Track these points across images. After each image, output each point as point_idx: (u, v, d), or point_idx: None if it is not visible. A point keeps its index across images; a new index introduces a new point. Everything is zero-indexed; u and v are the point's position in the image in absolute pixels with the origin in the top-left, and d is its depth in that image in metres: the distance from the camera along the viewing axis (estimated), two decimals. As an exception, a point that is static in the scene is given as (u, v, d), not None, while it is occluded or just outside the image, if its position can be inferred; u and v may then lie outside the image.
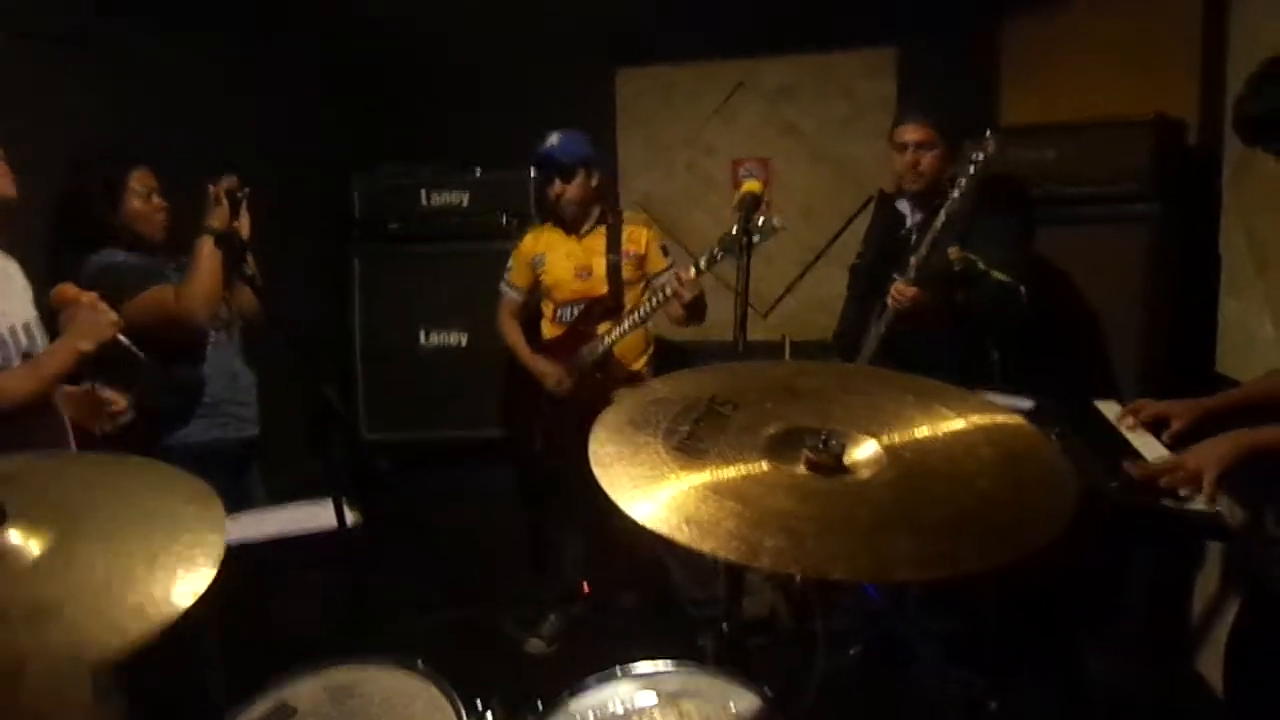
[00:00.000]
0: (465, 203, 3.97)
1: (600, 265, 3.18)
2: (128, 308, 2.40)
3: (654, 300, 3.02)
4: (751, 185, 2.30)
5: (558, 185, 3.13)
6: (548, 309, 3.29)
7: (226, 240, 2.33)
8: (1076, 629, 2.37)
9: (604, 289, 3.17)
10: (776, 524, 1.09)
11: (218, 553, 1.19)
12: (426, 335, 3.98)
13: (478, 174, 4.00)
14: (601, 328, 3.14)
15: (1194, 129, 3.04)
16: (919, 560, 1.06)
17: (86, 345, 2.01)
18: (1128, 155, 2.94)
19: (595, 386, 3.07)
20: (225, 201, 2.47)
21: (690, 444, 1.24)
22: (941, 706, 2.31)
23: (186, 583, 1.11)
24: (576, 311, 3.21)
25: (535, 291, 3.31)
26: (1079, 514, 1.13)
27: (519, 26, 3.90)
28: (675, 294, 2.89)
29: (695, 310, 2.94)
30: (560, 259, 3.21)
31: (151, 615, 1.05)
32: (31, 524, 1.22)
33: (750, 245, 2.23)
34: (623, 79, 4.30)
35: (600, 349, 3.12)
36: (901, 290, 2.65)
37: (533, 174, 3.26)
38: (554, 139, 3.17)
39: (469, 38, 4.03)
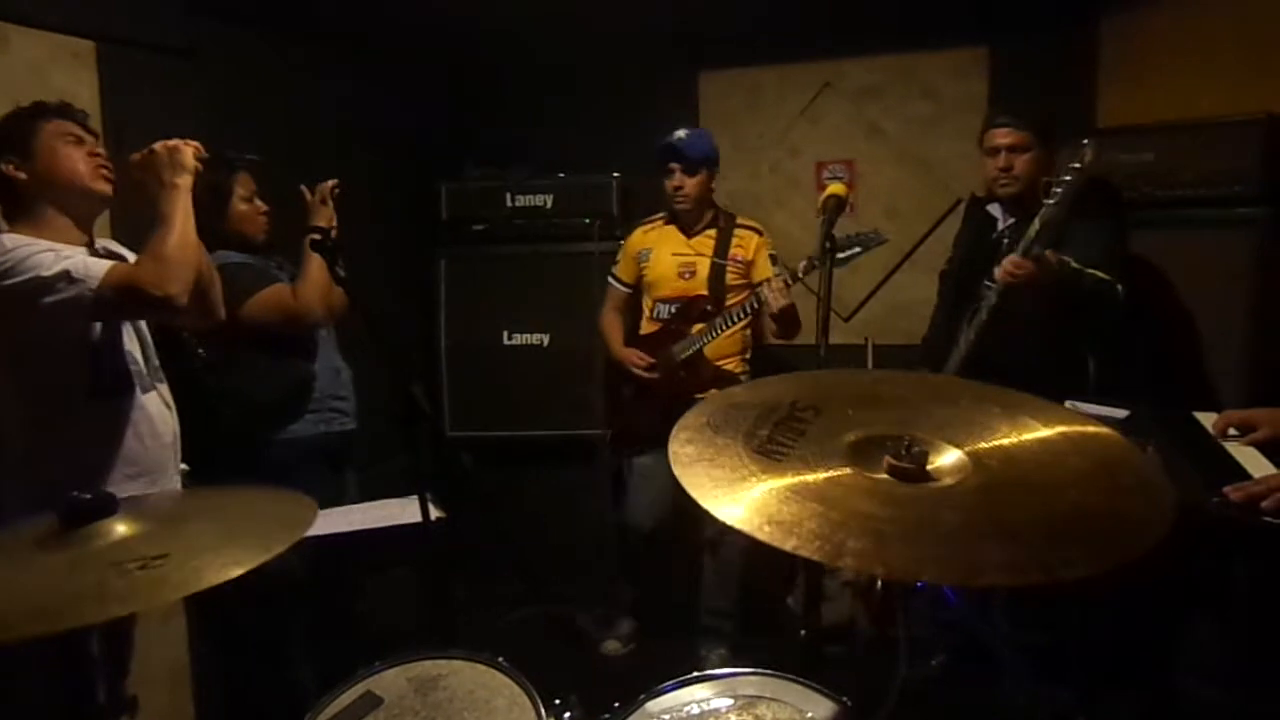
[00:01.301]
0: (549, 205, 4.02)
1: (704, 267, 3.20)
2: (249, 306, 2.52)
3: (749, 306, 3.03)
4: (836, 188, 2.28)
5: (678, 177, 3.15)
6: (647, 304, 3.34)
7: (323, 241, 2.42)
8: (1172, 647, 2.28)
9: (704, 290, 3.19)
10: (860, 525, 1.08)
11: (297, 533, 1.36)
12: (509, 335, 4.04)
13: (561, 177, 4.04)
14: (695, 328, 3.16)
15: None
16: (1010, 565, 1.03)
17: (182, 178, 2.05)
18: (1233, 157, 2.81)
19: (680, 384, 3.10)
20: (329, 203, 2.58)
21: (771, 447, 1.24)
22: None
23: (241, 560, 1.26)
24: (672, 310, 3.24)
25: (638, 287, 3.37)
26: (1176, 528, 1.09)
27: (602, 30, 3.93)
28: (764, 303, 2.90)
29: (784, 322, 2.93)
30: (665, 256, 3.25)
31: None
32: (139, 520, 1.34)
33: (834, 250, 2.21)
34: (705, 81, 4.31)
35: (690, 348, 3.15)
36: (1017, 263, 2.55)
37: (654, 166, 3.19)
38: (682, 133, 3.19)
39: (553, 42, 4.08)
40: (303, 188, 2.66)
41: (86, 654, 1.32)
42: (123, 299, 1.94)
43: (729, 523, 1.10)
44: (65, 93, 2.54)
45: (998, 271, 2.59)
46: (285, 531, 1.37)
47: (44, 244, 1.94)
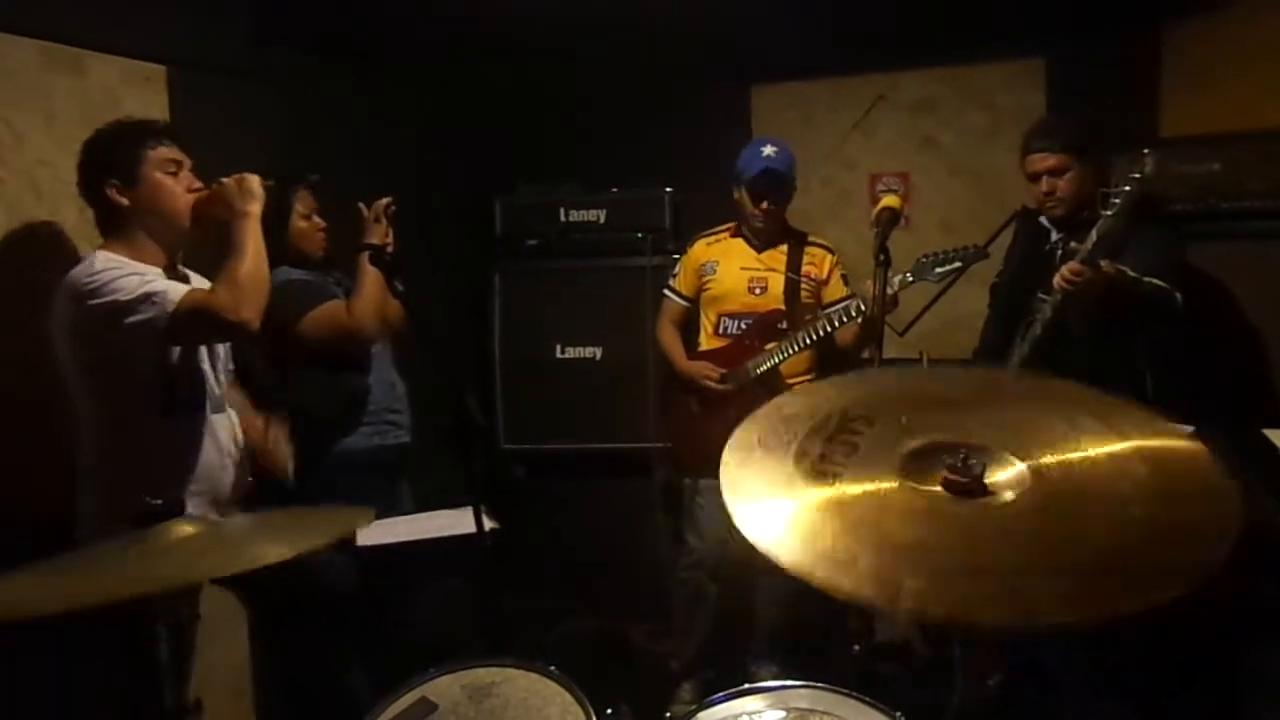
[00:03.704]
0: (602, 220, 4.05)
1: (777, 283, 3.13)
2: (306, 322, 2.59)
3: (831, 323, 2.96)
4: (890, 200, 2.28)
5: (766, 204, 3.08)
6: (709, 320, 3.25)
7: (380, 255, 2.47)
8: (1238, 670, 2.21)
9: (779, 306, 3.12)
10: (915, 559, 1.05)
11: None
12: (562, 349, 4.07)
13: (614, 192, 4.07)
14: (770, 345, 3.10)
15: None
16: (1068, 603, 1.01)
17: (253, 205, 2.13)
18: (1303, 166, 2.75)
19: (754, 401, 3.04)
20: (384, 220, 2.63)
21: (823, 467, 1.21)
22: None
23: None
24: (743, 326, 3.17)
25: (696, 300, 3.29)
26: (1244, 548, 1.06)
27: (655, 45, 3.96)
28: (859, 313, 2.84)
29: (874, 335, 2.89)
30: (734, 270, 3.18)
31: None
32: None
33: (888, 262, 2.21)
34: (758, 95, 4.31)
35: (766, 365, 3.08)
36: (1075, 269, 2.49)
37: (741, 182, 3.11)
38: (770, 149, 3.08)
39: (606, 57, 4.12)
40: (360, 205, 2.72)
41: (154, 656, 1.36)
42: (197, 324, 2.03)
43: (784, 565, 1.08)
44: (136, 114, 2.64)
45: (1056, 279, 2.55)
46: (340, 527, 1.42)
47: (130, 266, 2.02)
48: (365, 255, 2.55)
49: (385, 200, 2.69)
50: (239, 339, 2.20)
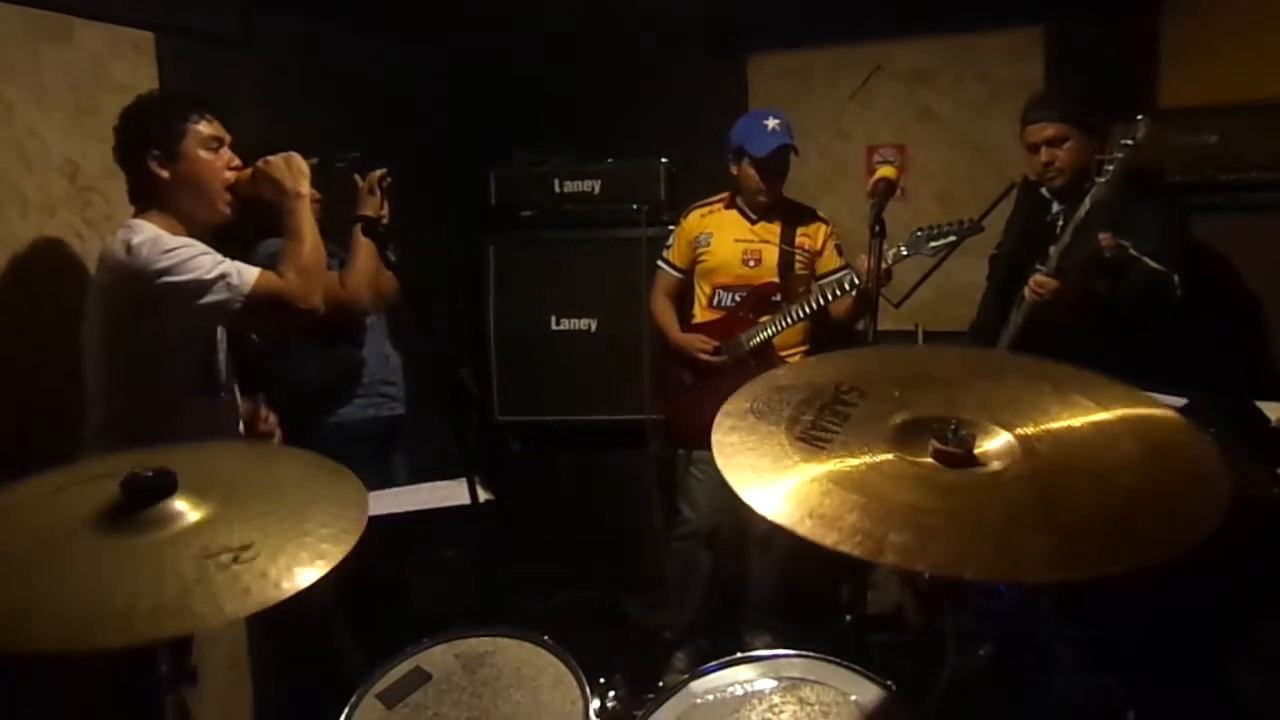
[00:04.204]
0: (597, 191, 4.03)
1: (771, 255, 3.13)
2: None
3: (827, 294, 2.96)
4: (886, 171, 2.26)
5: (771, 178, 3.07)
6: (703, 292, 3.25)
7: (373, 226, 2.45)
8: (1229, 640, 2.23)
9: (773, 278, 3.12)
10: (903, 518, 1.06)
11: (357, 530, 1.29)
12: (557, 320, 4.06)
13: (610, 163, 4.05)
14: (764, 318, 3.10)
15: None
16: (1054, 561, 1.02)
17: (304, 185, 2.13)
18: (1300, 137, 2.73)
19: (749, 373, 3.05)
20: (378, 191, 2.61)
21: (814, 433, 1.23)
22: (1076, 714, 2.22)
23: (327, 555, 1.22)
24: (738, 298, 3.17)
25: (690, 272, 3.28)
26: (1235, 519, 1.06)
27: (651, 14, 3.92)
28: (854, 287, 2.84)
29: (869, 307, 2.89)
30: (728, 242, 3.17)
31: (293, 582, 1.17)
32: (199, 497, 1.34)
33: (883, 234, 2.19)
34: (754, 66, 4.27)
35: (760, 337, 3.08)
36: (1042, 282, 2.56)
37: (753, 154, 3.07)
38: (774, 123, 3.06)
39: (601, 26, 4.08)
40: (355, 176, 2.69)
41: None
42: (271, 309, 2.02)
43: (770, 517, 1.10)
44: (125, 83, 2.62)
45: (1025, 288, 2.58)
46: (347, 514, 1.34)
47: (201, 245, 2.01)
48: (358, 226, 2.53)
49: (380, 171, 2.66)
50: (304, 324, 2.19)
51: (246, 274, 2.00)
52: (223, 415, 2.21)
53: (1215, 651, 2.21)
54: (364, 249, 2.55)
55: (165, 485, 1.28)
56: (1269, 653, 2.53)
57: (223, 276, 1.96)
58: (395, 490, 2.53)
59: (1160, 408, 1.24)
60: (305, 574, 1.18)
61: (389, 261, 2.35)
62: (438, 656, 1.56)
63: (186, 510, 1.27)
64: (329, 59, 3.55)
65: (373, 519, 2.25)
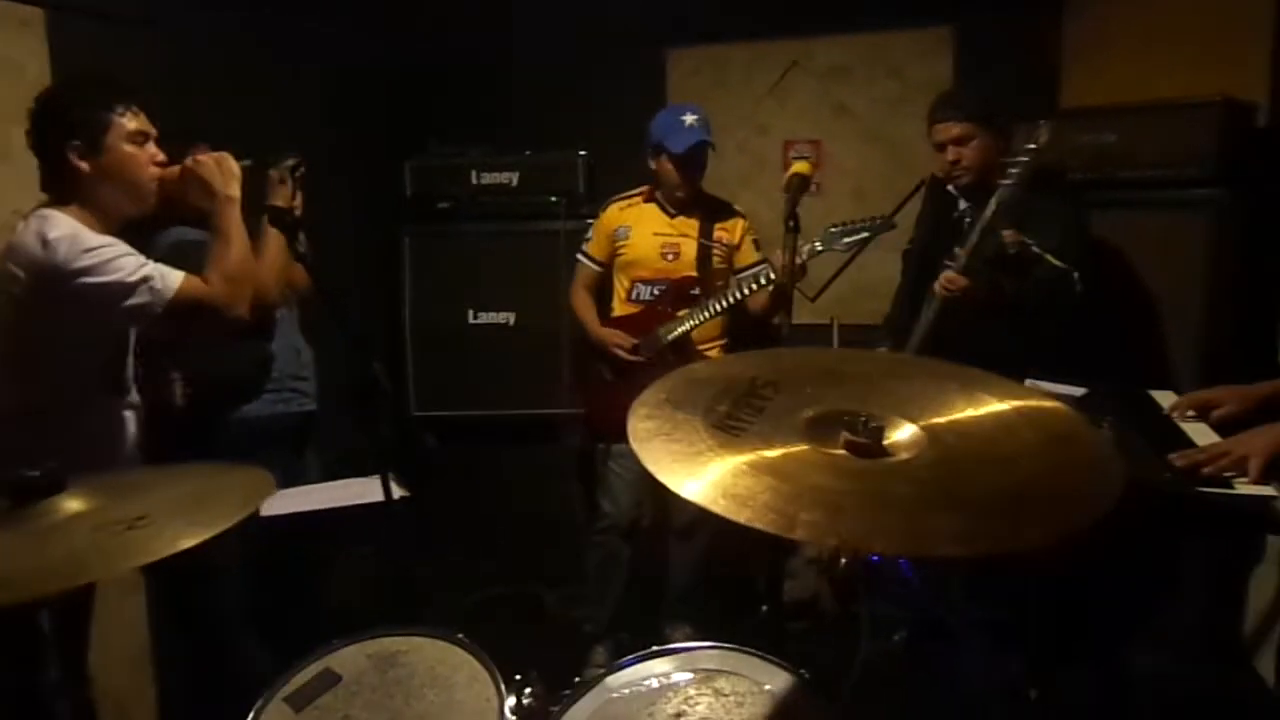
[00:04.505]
0: (515, 183, 3.99)
1: (690, 249, 3.14)
2: None
3: (743, 289, 2.99)
4: (800, 166, 2.29)
5: (688, 174, 3.07)
6: (622, 285, 3.24)
7: (281, 218, 2.37)
8: (1124, 620, 2.33)
9: (691, 272, 3.13)
10: (814, 498, 1.09)
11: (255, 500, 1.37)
12: (474, 314, 4.01)
13: (528, 155, 4.01)
14: (682, 312, 3.11)
15: (1264, 112, 2.93)
16: (960, 536, 1.06)
17: (234, 189, 2.07)
18: (1192, 138, 2.84)
19: (666, 368, 3.05)
20: (288, 181, 2.52)
21: (730, 423, 1.24)
22: (982, 694, 2.29)
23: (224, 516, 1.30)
24: (656, 292, 3.17)
25: (610, 265, 3.27)
26: (1130, 504, 1.11)
27: (569, 7, 3.90)
28: (769, 282, 2.87)
29: (785, 302, 2.91)
30: (646, 235, 3.16)
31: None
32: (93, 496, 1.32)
33: (798, 228, 2.22)
34: (674, 60, 4.28)
35: (677, 331, 3.09)
36: (951, 279, 2.63)
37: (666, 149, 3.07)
38: (692, 118, 3.06)
39: (518, 17, 4.04)
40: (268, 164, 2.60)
41: (35, 629, 1.30)
42: (194, 315, 1.96)
43: (685, 496, 1.11)
44: (11, 62, 2.48)
45: (936, 284, 2.65)
46: (245, 498, 1.37)
47: (124, 245, 1.93)
48: (266, 217, 2.44)
49: (292, 161, 2.58)
50: (226, 332, 2.12)
51: (170, 278, 1.93)
52: (124, 416, 2.14)
53: (1113, 632, 2.30)
54: (272, 239, 2.46)
55: (52, 484, 1.27)
56: (1163, 634, 2.66)
57: (146, 280, 1.90)
58: (307, 488, 2.47)
59: (1051, 400, 1.29)
60: (201, 532, 1.25)
61: (299, 253, 2.28)
62: (349, 657, 1.53)
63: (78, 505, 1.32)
64: (235, 42, 3.42)
65: (284, 518, 2.20)
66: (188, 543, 1.22)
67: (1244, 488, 1.56)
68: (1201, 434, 1.82)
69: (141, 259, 1.93)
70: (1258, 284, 2.83)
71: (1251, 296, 2.84)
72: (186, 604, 2.34)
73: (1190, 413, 1.92)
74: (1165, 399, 2.04)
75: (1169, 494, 1.61)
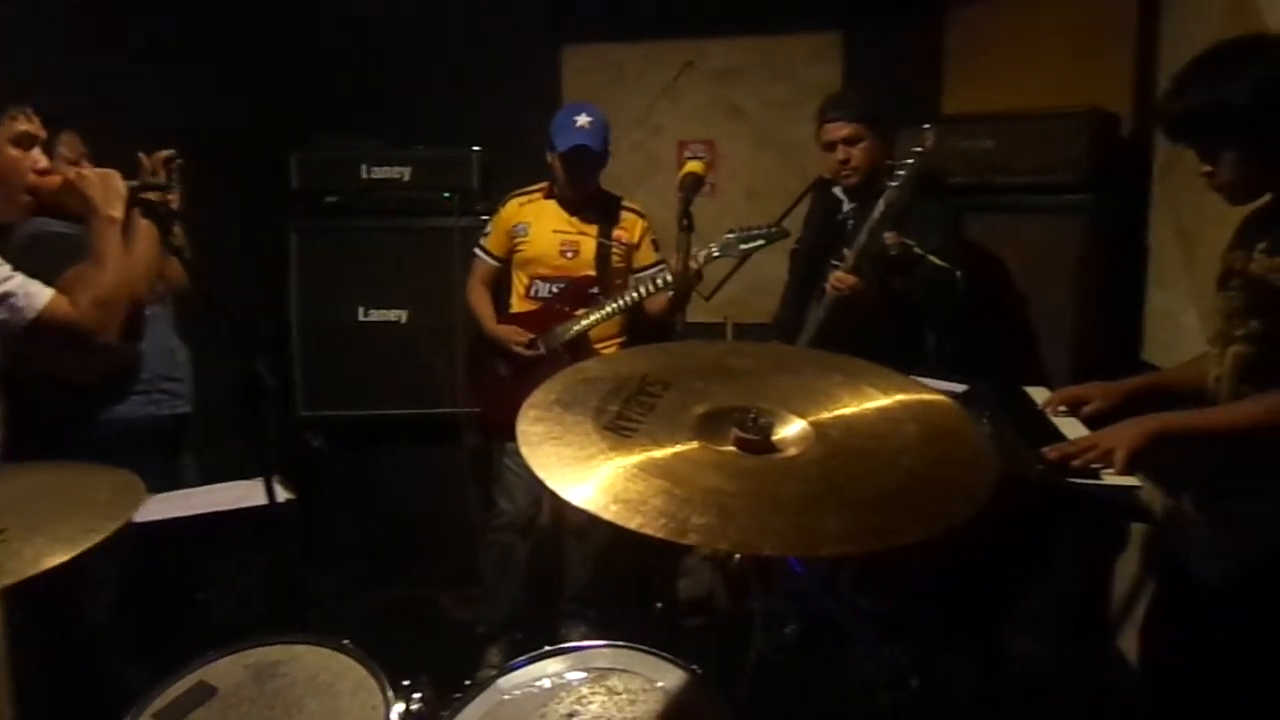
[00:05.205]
0: (407, 178, 3.90)
1: (589, 247, 3.12)
2: (63, 280, 2.33)
3: (641, 290, 2.99)
4: (693, 166, 2.31)
5: (572, 174, 3.05)
6: (521, 282, 3.20)
7: (154, 209, 2.26)
8: (1001, 609, 2.43)
9: (590, 271, 3.11)
10: (706, 501, 1.09)
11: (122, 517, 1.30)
12: (365, 311, 3.91)
13: (420, 149, 3.93)
14: (580, 311, 3.08)
15: (1128, 122, 3.10)
16: (847, 535, 1.08)
17: (118, 209, 1.96)
18: (1063, 146, 2.99)
19: (562, 366, 3.03)
20: (162, 172, 2.40)
21: (620, 423, 1.24)
22: (868, 684, 2.36)
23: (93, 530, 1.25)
24: (555, 289, 3.15)
25: (508, 261, 3.23)
26: (1005, 496, 1.15)
27: (465, 2, 3.84)
28: (667, 285, 2.88)
29: (683, 303, 2.93)
30: (546, 233, 3.13)
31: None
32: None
33: (691, 228, 2.24)
34: (569, 57, 4.26)
35: (574, 330, 3.07)
36: (841, 278, 2.69)
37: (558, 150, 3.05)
38: (583, 119, 3.04)
39: (413, 12, 3.96)
40: (139, 154, 2.48)
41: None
42: (58, 336, 1.86)
43: (575, 503, 1.10)
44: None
45: (826, 283, 2.71)
46: (112, 509, 1.30)
47: None
48: (136, 209, 2.32)
49: (168, 152, 2.46)
50: (89, 353, 2.01)
51: (36, 297, 1.82)
52: None
53: (990, 618, 2.39)
54: (143, 232, 2.34)
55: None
56: (1035, 619, 2.79)
57: (7, 296, 1.79)
58: (184, 492, 2.36)
59: (934, 394, 1.33)
60: (63, 549, 1.21)
61: (174, 247, 2.18)
62: (224, 669, 1.47)
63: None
64: (107, 25, 3.24)
65: (159, 523, 2.10)
66: (51, 561, 1.17)
67: (1110, 479, 1.65)
68: (1072, 428, 1.91)
69: (7, 271, 1.82)
70: (1123, 285, 2.99)
71: (1118, 298, 3.00)
72: (49, 617, 2.20)
73: (1062, 408, 2.01)
74: (1039, 395, 2.13)
75: (1041, 485, 1.68)
